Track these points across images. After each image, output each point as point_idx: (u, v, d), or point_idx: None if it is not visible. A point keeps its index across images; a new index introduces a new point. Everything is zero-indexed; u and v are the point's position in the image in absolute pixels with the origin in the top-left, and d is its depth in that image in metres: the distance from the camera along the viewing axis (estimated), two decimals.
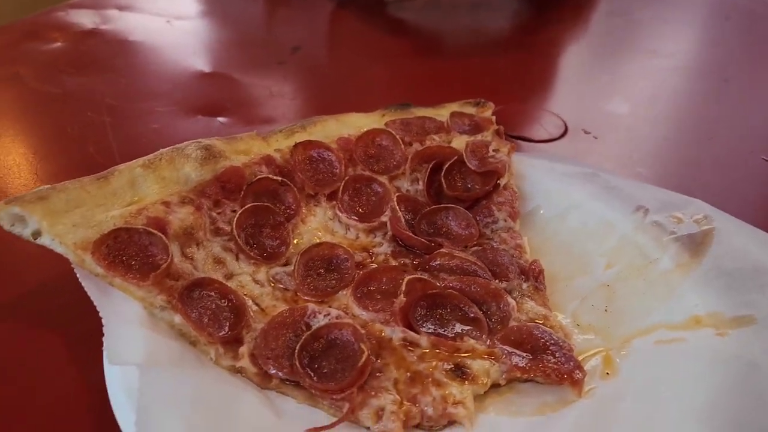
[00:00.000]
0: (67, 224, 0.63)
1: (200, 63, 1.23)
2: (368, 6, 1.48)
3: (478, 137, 0.86)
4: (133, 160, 0.72)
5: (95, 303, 0.58)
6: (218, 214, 0.72)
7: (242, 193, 0.74)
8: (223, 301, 0.63)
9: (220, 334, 0.61)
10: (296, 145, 0.80)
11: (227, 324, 0.61)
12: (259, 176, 0.75)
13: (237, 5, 1.50)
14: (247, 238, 0.71)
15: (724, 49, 1.41)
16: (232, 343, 0.61)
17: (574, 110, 1.09)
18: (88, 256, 0.61)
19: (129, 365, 0.53)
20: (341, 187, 0.79)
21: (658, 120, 1.09)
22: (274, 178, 0.76)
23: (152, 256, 0.63)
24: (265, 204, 0.73)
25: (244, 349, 0.60)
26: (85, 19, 1.37)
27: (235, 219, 0.70)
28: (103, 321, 0.57)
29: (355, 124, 0.88)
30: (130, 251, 0.63)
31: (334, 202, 0.79)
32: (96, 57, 1.22)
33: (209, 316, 0.62)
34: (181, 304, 0.61)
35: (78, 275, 0.61)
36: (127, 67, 1.20)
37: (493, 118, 0.92)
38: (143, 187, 0.70)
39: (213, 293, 0.64)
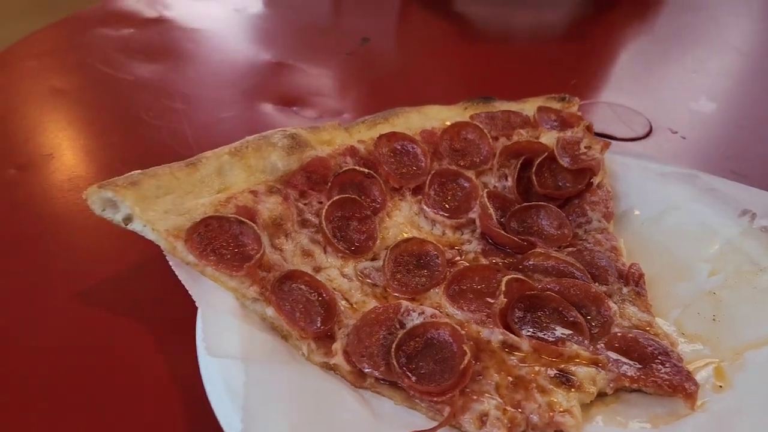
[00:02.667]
0: (158, 210, 0.62)
1: (267, 52, 1.21)
2: None
3: (568, 133, 0.82)
4: (220, 147, 0.70)
5: (190, 292, 0.57)
6: (305, 205, 0.70)
7: (329, 184, 0.71)
8: (313, 294, 0.62)
9: (313, 329, 0.58)
10: (380, 137, 0.77)
11: (319, 319, 0.60)
12: (345, 168, 0.73)
13: None
14: (335, 231, 0.68)
15: None
16: (324, 338, 0.59)
17: (658, 108, 1.05)
18: (180, 243, 0.60)
19: (228, 358, 0.51)
20: (427, 182, 0.76)
21: (748, 119, 1.03)
22: (361, 169, 0.73)
23: (243, 245, 0.62)
24: (352, 196, 0.71)
25: (337, 346, 0.58)
26: (150, 6, 1.37)
27: (324, 211, 0.68)
28: (199, 311, 0.55)
29: (438, 116, 0.85)
30: (221, 240, 0.61)
31: (420, 197, 0.76)
32: (165, 44, 1.22)
33: (300, 310, 0.60)
34: (275, 296, 0.59)
35: (171, 264, 0.59)
36: (196, 55, 1.20)
37: (580, 113, 0.88)
38: (230, 175, 0.69)
39: (303, 286, 0.62)
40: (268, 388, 0.49)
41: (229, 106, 1.04)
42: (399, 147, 0.78)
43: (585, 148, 0.80)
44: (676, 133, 0.98)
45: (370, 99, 1.10)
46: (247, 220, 0.62)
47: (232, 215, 0.63)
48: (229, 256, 0.60)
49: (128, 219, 0.62)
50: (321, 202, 0.71)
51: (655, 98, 1.09)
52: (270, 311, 0.59)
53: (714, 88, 1.12)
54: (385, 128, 0.81)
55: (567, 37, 1.36)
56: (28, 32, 1.23)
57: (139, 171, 0.65)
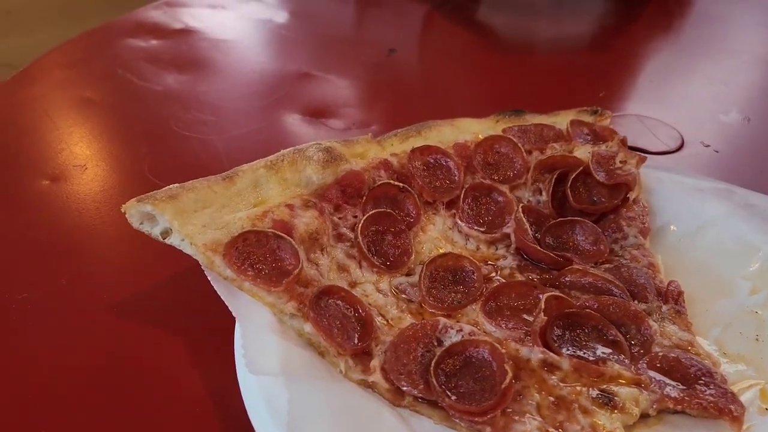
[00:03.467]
0: (196, 225, 0.62)
1: (293, 62, 1.22)
2: (461, 7, 1.45)
3: (602, 147, 0.82)
4: (255, 161, 0.71)
5: (230, 307, 0.57)
6: (340, 219, 0.70)
7: (363, 198, 0.71)
8: (349, 310, 0.61)
9: (350, 345, 0.58)
10: (413, 150, 0.77)
11: (356, 335, 0.59)
12: (379, 181, 0.73)
13: (327, 6, 1.49)
14: (369, 246, 0.68)
15: None
16: (362, 355, 0.59)
17: (689, 121, 1.04)
18: (218, 257, 0.60)
19: (269, 375, 0.51)
20: (461, 196, 0.75)
21: None
22: (395, 183, 0.73)
23: (281, 260, 0.61)
24: (387, 210, 0.71)
25: (375, 363, 0.57)
26: (177, 18, 1.38)
27: (359, 225, 0.68)
28: (238, 326, 0.55)
29: (470, 129, 0.84)
30: (259, 255, 0.61)
31: (453, 211, 0.75)
32: (193, 55, 1.22)
33: (338, 326, 0.59)
34: (313, 312, 0.59)
35: (209, 278, 0.59)
36: (224, 66, 1.20)
37: (612, 126, 0.87)
38: (266, 189, 0.69)
39: (340, 302, 0.61)
40: (309, 406, 0.49)
41: (258, 117, 1.04)
42: (432, 160, 0.78)
43: (620, 162, 0.79)
44: (709, 146, 0.97)
45: (398, 110, 1.10)
46: (284, 235, 0.62)
47: (270, 229, 0.63)
48: (267, 271, 0.60)
49: (166, 233, 0.62)
50: (356, 216, 0.70)
51: (685, 110, 1.08)
52: (308, 327, 0.59)
53: (745, 101, 1.11)
54: (417, 141, 0.80)
55: (592, 47, 1.35)
56: (58, 41, 1.25)
57: (177, 185, 0.65)
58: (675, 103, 1.12)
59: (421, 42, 1.36)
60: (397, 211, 0.73)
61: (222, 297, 0.57)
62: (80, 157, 0.89)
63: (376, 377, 0.57)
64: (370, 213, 0.70)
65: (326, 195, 0.70)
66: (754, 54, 1.31)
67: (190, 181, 0.66)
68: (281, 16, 1.43)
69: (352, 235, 0.68)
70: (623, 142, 0.83)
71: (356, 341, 0.59)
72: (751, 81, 1.19)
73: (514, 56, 1.30)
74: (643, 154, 0.80)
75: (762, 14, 1.55)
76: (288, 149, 0.73)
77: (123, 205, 0.62)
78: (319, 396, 0.50)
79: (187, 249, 0.61)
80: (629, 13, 1.48)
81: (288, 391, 0.48)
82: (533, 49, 1.34)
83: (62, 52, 1.21)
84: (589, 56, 1.30)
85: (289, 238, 0.62)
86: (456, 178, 0.77)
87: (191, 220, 0.62)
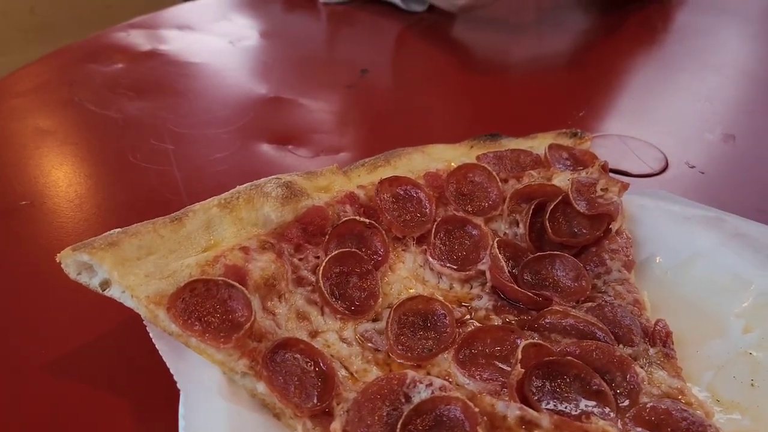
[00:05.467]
0: (139, 274, 0.56)
1: (265, 86, 1.17)
2: (436, 26, 1.41)
3: (582, 174, 0.77)
4: (208, 199, 0.65)
5: (171, 369, 0.51)
6: (300, 260, 0.64)
7: (326, 237, 0.66)
8: (309, 364, 0.56)
9: (308, 405, 0.53)
10: (381, 182, 0.72)
11: (315, 393, 0.54)
12: (344, 218, 0.68)
13: (299, 25, 1.44)
14: (332, 289, 0.63)
15: None
16: (321, 416, 0.53)
17: (672, 141, 0.99)
18: (162, 311, 0.54)
19: None
20: (432, 230, 0.70)
21: None
22: (361, 219, 0.68)
23: (232, 312, 0.56)
24: (352, 250, 0.66)
25: (336, 425, 0.52)
26: (144, 39, 1.33)
27: (321, 267, 0.62)
28: (180, 391, 0.49)
29: (443, 156, 0.80)
30: (208, 306, 0.56)
31: (425, 247, 0.70)
32: (156, 80, 1.17)
33: (295, 384, 0.54)
34: (266, 370, 0.53)
35: (150, 334, 0.54)
36: (188, 90, 1.15)
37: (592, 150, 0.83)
38: (219, 230, 0.63)
39: (299, 355, 0.56)
40: None
41: (222, 145, 0.99)
42: (402, 192, 0.73)
43: (601, 190, 0.75)
44: (694, 167, 0.93)
45: (370, 134, 1.05)
46: (235, 283, 0.57)
47: (220, 278, 0.57)
48: (216, 325, 0.55)
49: (106, 284, 0.56)
50: (318, 257, 0.65)
51: (668, 129, 1.04)
52: (261, 387, 0.53)
53: (730, 118, 1.07)
54: (386, 171, 0.75)
55: (571, 64, 1.32)
56: (21, 64, 1.19)
57: (119, 229, 0.59)
58: (658, 121, 1.08)
59: (395, 62, 1.31)
60: (363, 249, 0.67)
61: (164, 357, 0.52)
62: (27, 194, 0.83)
63: None
64: (333, 253, 0.64)
65: (286, 234, 0.65)
66: (737, 68, 1.28)
67: (134, 225, 0.60)
68: (252, 37, 1.39)
69: (313, 279, 0.63)
70: (604, 168, 0.78)
71: (315, 400, 0.53)
72: (735, 97, 1.16)
73: (491, 76, 1.25)
74: (625, 181, 0.75)
75: (745, 26, 1.53)
76: (244, 185, 0.68)
77: (58, 255, 0.57)
78: None
79: (129, 302, 0.55)
80: (610, 29, 1.45)
81: None
82: (511, 68, 1.30)
83: (18, 78, 1.15)
84: (569, 74, 1.26)
85: (240, 286, 0.57)
86: (427, 210, 0.72)
87: (133, 270, 0.56)
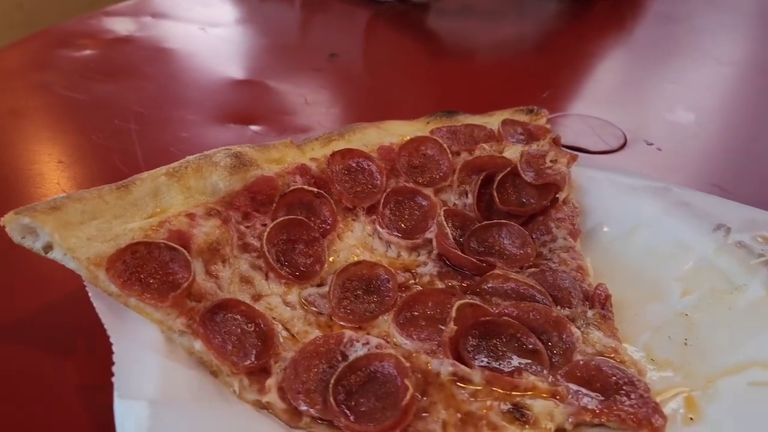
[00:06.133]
0: (81, 237, 0.57)
1: (234, 70, 1.17)
2: (406, 13, 1.42)
3: (533, 147, 0.78)
4: (157, 168, 0.66)
5: (105, 326, 0.52)
6: (247, 228, 0.65)
7: (274, 205, 0.67)
8: (249, 325, 0.57)
9: (245, 363, 0.54)
10: (333, 154, 0.73)
11: (254, 352, 0.55)
12: (292, 187, 0.68)
13: (274, 12, 1.45)
14: (278, 255, 0.64)
15: None
16: (259, 373, 0.54)
17: (634, 120, 1.00)
18: (102, 272, 0.55)
19: (140, 400, 0.46)
20: (382, 200, 0.71)
21: (728, 130, 1.00)
22: (309, 189, 0.69)
23: (173, 273, 0.57)
24: (299, 217, 0.67)
25: (271, 381, 0.53)
26: (118, 26, 1.33)
27: (266, 234, 0.63)
28: (113, 348, 0.50)
29: (398, 131, 0.81)
30: (148, 268, 0.56)
31: (374, 217, 0.71)
32: (127, 64, 1.18)
33: (233, 342, 0.55)
34: (203, 328, 0.54)
35: (90, 294, 0.55)
36: (158, 74, 1.16)
37: (549, 126, 0.84)
38: (167, 198, 0.64)
39: (238, 316, 0.57)
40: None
41: (189, 126, 1.00)
42: (354, 164, 0.74)
43: (551, 161, 0.76)
44: (652, 144, 0.94)
45: (336, 116, 1.06)
46: (177, 246, 0.58)
47: (162, 240, 0.58)
48: (155, 286, 0.56)
49: (48, 247, 0.57)
50: (265, 225, 0.66)
51: (631, 110, 1.05)
52: (198, 345, 0.54)
53: (691, 99, 1.08)
54: (340, 145, 0.76)
55: (542, 49, 1.33)
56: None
57: (64, 194, 0.60)
58: (620, 102, 1.09)
59: (364, 47, 1.32)
60: (312, 219, 0.68)
61: (100, 314, 0.53)
62: None
63: (271, 397, 0.52)
64: (279, 220, 0.65)
65: (234, 203, 0.66)
66: (704, 52, 1.29)
67: (79, 191, 0.61)
68: (225, 24, 1.39)
69: (259, 245, 0.64)
70: (555, 141, 0.79)
71: (253, 358, 0.54)
72: (698, 79, 1.17)
73: (460, 60, 1.26)
74: (575, 153, 0.76)
75: (717, 13, 1.54)
76: (194, 155, 0.68)
77: (2, 218, 0.57)
78: (188, 423, 0.45)
79: (70, 264, 0.56)
80: (581, 15, 1.46)
81: (151, 418, 0.44)
82: (479, 53, 1.31)
83: None
84: (536, 58, 1.27)
85: (182, 249, 0.58)
86: (377, 182, 0.73)
87: (75, 233, 0.57)
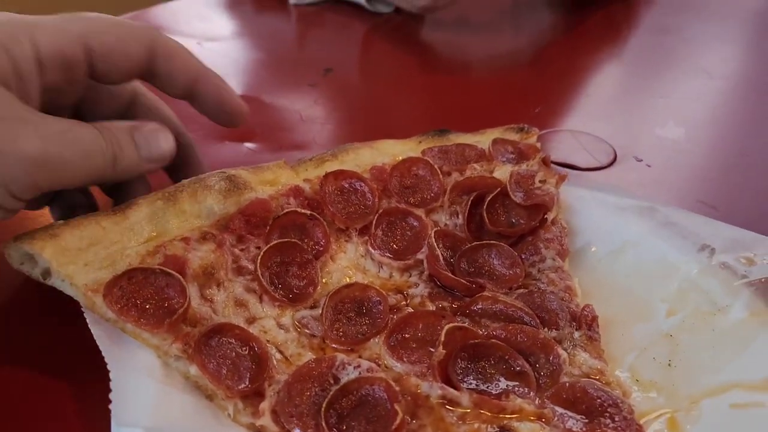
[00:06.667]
0: (78, 264, 0.58)
1: (231, 85, 1.19)
2: (401, 26, 1.43)
3: (523, 166, 0.79)
4: (153, 193, 0.67)
5: (103, 352, 0.53)
6: (241, 251, 0.66)
7: (267, 228, 0.68)
8: (244, 349, 0.58)
9: (240, 387, 0.55)
10: (326, 175, 0.74)
11: (248, 375, 0.56)
12: (286, 209, 0.70)
13: (270, 26, 1.46)
14: (272, 278, 0.65)
15: None
16: (253, 397, 0.55)
17: (624, 135, 1.02)
18: (100, 298, 0.56)
19: (137, 428, 0.47)
20: (374, 221, 0.73)
21: (719, 146, 1.01)
22: (302, 211, 0.70)
23: (169, 299, 0.58)
24: (292, 240, 0.68)
25: (265, 405, 0.54)
26: None
27: (260, 257, 0.65)
28: (110, 374, 0.52)
29: (391, 151, 0.82)
30: (145, 294, 0.58)
31: (366, 238, 0.73)
32: None
33: (228, 366, 0.56)
34: (197, 353, 0.55)
35: (87, 320, 0.56)
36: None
37: (539, 145, 0.85)
38: (162, 222, 0.65)
39: (233, 340, 0.58)
40: None
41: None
42: (347, 185, 0.75)
43: (540, 182, 0.77)
44: (641, 161, 0.95)
45: (333, 132, 1.07)
46: (172, 272, 0.59)
47: (158, 266, 0.59)
48: (152, 311, 0.57)
49: (47, 273, 0.59)
50: (259, 247, 0.67)
51: (621, 125, 1.06)
52: (193, 370, 0.55)
53: (682, 113, 1.09)
54: (333, 165, 0.78)
55: (535, 62, 1.34)
56: None
57: (62, 221, 0.61)
58: (611, 117, 1.10)
59: (359, 61, 1.34)
60: (306, 240, 0.70)
61: (97, 341, 0.54)
62: None
63: (265, 420, 0.53)
64: (273, 243, 0.67)
65: (229, 226, 0.67)
66: (696, 66, 1.30)
67: (77, 218, 0.62)
68: (221, 38, 1.40)
69: (253, 268, 0.65)
70: (545, 161, 0.81)
71: (247, 382, 0.55)
72: (690, 93, 1.18)
73: (454, 74, 1.28)
74: (563, 173, 0.78)
75: (709, 25, 1.55)
76: (188, 179, 0.70)
77: (1, 245, 0.59)
78: None
79: (68, 290, 0.58)
80: (573, 28, 1.47)
81: None
82: (473, 67, 1.33)
83: None
84: (529, 72, 1.28)
85: (177, 274, 0.59)
86: (370, 202, 0.74)
87: (73, 259, 0.59)
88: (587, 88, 1.23)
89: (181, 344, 0.56)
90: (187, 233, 0.64)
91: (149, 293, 0.58)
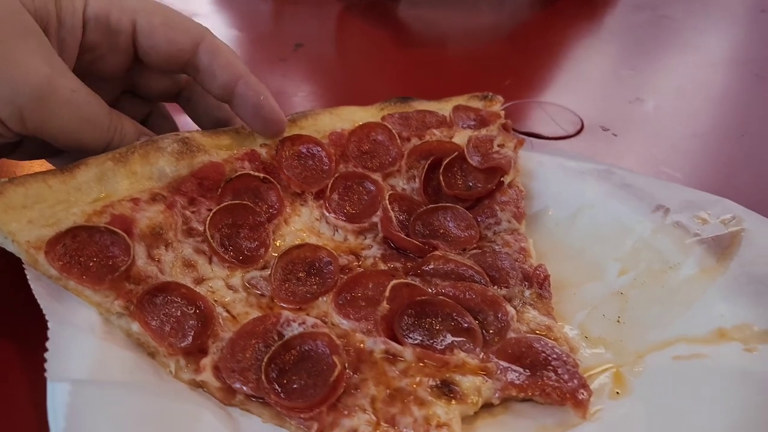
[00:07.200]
0: (21, 221, 0.58)
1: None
2: (377, 4, 1.42)
3: (483, 132, 0.79)
4: (103, 153, 0.67)
5: (43, 308, 0.53)
6: (192, 213, 0.66)
7: (219, 190, 0.68)
8: (190, 308, 0.58)
9: (182, 344, 0.55)
10: (283, 140, 0.74)
11: (192, 333, 0.56)
12: (239, 173, 0.69)
13: (244, 5, 1.45)
14: (222, 240, 0.65)
15: (758, 44, 1.31)
16: (196, 354, 0.55)
17: (592, 107, 1.02)
18: (42, 255, 0.56)
19: (65, 381, 0.47)
20: (330, 185, 0.72)
21: (686, 117, 1.00)
22: (255, 174, 0.70)
23: (113, 257, 0.58)
24: (244, 202, 0.67)
25: (206, 361, 0.54)
26: None
27: (209, 218, 0.64)
28: (49, 331, 0.51)
29: (351, 117, 0.81)
30: (89, 252, 0.57)
31: (322, 201, 0.72)
32: None
33: (172, 324, 0.56)
34: (140, 310, 0.55)
35: (28, 277, 0.55)
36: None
37: (502, 112, 0.85)
38: (112, 183, 0.65)
39: (179, 299, 0.58)
40: (102, 412, 0.45)
41: None
42: (304, 150, 0.75)
43: (498, 146, 0.77)
44: (608, 130, 0.95)
45: (301, 104, 1.07)
46: (117, 230, 0.58)
47: (103, 225, 0.59)
48: (95, 269, 0.57)
49: None
50: (210, 210, 0.67)
51: (592, 97, 1.06)
52: (135, 326, 0.55)
53: (651, 87, 1.09)
54: (292, 131, 0.77)
55: (511, 38, 1.33)
56: None
57: (6, 179, 0.61)
58: (583, 90, 1.10)
59: (331, 38, 1.33)
60: (259, 204, 0.69)
61: (37, 297, 0.54)
62: None
63: (206, 376, 0.53)
64: (224, 205, 0.66)
65: (181, 188, 0.66)
66: (669, 41, 1.30)
67: (22, 176, 0.61)
68: (200, 14, 1.39)
69: (203, 229, 0.65)
70: (505, 126, 0.80)
71: (190, 339, 0.55)
72: (658, 66, 1.18)
73: (428, 49, 1.27)
74: (522, 137, 0.77)
75: (688, 2, 1.54)
76: (141, 140, 0.69)
77: None
78: (119, 402, 0.46)
79: (10, 247, 0.57)
80: (551, 6, 1.47)
81: (78, 398, 0.45)
82: (449, 43, 1.32)
83: None
84: (505, 47, 1.28)
85: (122, 232, 0.58)
86: (327, 167, 0.74)
87: (17, 217, 0.58)
88: (560, 62, 1.22)
89: (124, 301, 0.55)
90: (137, 194, 0.64)
91: (93, 251, 0.58)
